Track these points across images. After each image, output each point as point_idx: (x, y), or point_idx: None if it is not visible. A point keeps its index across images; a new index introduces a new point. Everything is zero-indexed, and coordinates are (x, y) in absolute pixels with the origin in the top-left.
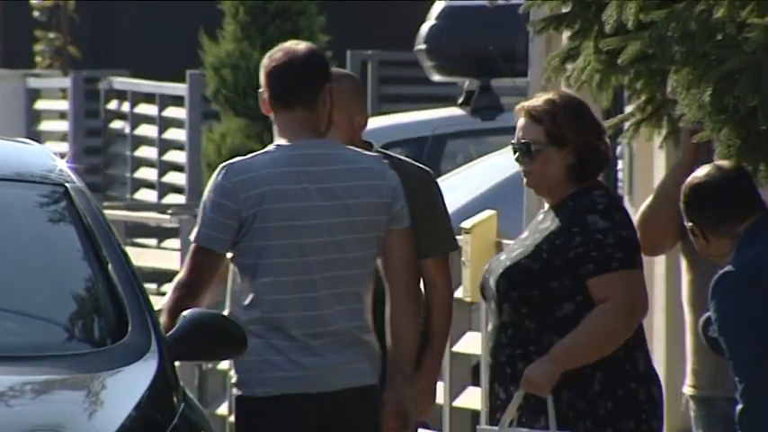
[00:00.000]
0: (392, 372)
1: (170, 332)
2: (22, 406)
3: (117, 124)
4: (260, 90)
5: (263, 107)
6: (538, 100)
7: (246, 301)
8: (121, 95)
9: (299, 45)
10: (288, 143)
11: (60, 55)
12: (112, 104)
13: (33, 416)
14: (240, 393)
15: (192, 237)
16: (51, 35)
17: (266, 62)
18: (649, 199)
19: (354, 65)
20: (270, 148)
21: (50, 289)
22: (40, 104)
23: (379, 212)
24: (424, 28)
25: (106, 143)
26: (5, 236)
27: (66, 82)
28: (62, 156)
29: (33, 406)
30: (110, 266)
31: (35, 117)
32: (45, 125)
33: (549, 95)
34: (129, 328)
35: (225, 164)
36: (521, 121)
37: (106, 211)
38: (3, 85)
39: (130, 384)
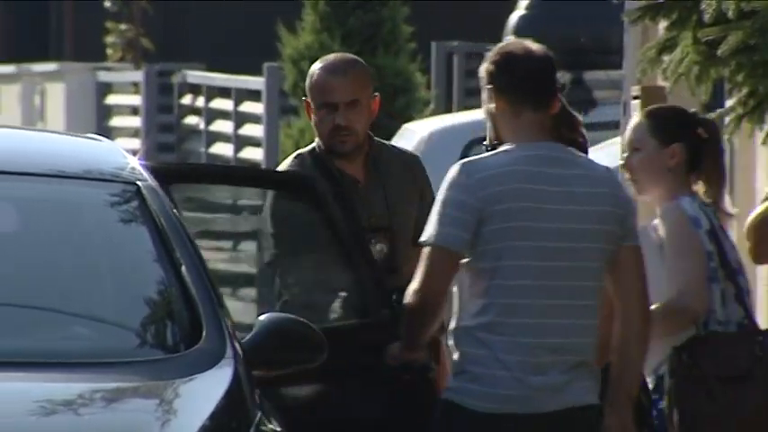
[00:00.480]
0: (616, 394)
1: (246, 338)
2: (93, 414)
3: (191, 120)
4: (489, 87)
5: (497, 104)
6: None
7: (477, 307)
8: (196, 90)
9: (533, 45)
10: (522, 144)
11: (132, 47)
12: (186, 99)
13: (104, 425)
14: (451, 399)
15: (427, 237)
16: (123, 27)
17: (499, 57)
18: (763, 206)
19: (439, 57)
20: (507, 147)
21: (122, 292)
22: (112, 99)
23: (615, 224)
24: (513, 18)
25: (180, 139)
26: (75, 237)
27: (138, 76)
28: (134, 153)
29: (104, 414)
30: (183, 269)
31: (106, 112)
32: (116, 121)
33: None
34: (204, 334)
35: (462, 161)
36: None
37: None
38: (73, 79)
39: (205, 392)
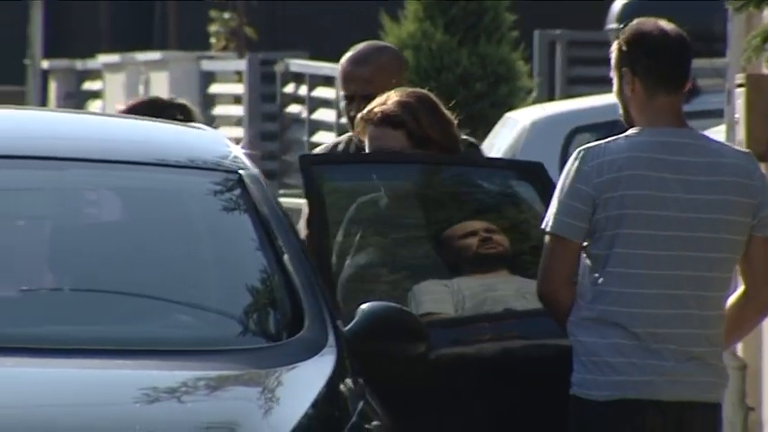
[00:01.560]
0: None
1: (348, 326)
2: (196, 402)
3: (294, 108)
4: (623, 69)
5: (631, 86)
6: (388, 105)
7: (591, 295)
8: (299, 78)
9: (666, 24)
10: (650, 128)
11: (236, 36)
12: (289, 88)
13: (207, 413)
14: (575, 393)
15: (545, 224)
16: (226, 15)
17: (633, 38)
18: None
19: (542, 45)
20: (630, 132)
21: (224, 281)
22: (215, 88)
23: (745, 214)
24: (616, 6)
25: (282, 128)
26: (178, 225)
27: (241, 64)
28: (237, 141)
29: (207, 402)
30: (285, 257)
31: (209, 101)
32: (219, 109)
33: (399, 98)
34: (306, 322)
35: (582, 147)
36: (375, 131)
37: (282, 199)
38: (176, 68)
39: (307, 381)
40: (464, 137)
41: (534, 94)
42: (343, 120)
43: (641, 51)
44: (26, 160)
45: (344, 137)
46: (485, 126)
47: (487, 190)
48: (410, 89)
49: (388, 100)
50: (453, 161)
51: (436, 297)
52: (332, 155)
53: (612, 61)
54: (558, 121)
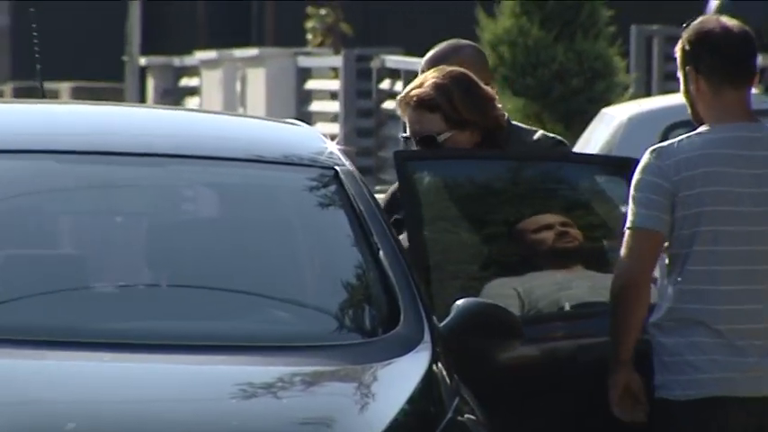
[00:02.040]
0: None
1: (444, 322)
2: (292, 398)
3: (389, 104)
4: (687, 68)
5: (696, 85)
6: (423, 88)
7: (671, 294)
8: (394, 74)
9: (729, 21)
10: (720, 125)
11: (332, 33)
12: (385, 84)
13: (303, 408)
14: (661, 396)
15: (628, 223)
16: (323, 12)
17: (695, 36)
18: None
19: (639, 41)
20: (702, 129)
21: (320, 277)
22: (311, 84)
23: None
24: (713, 0)
25: (378, 124)
26: (274, 221)
27: (337, 61)
28: (332, 137)
29: (303, 398)
30: (381, 253)
31: (305, 97)
32: (315, 105)
33: (435, 80)
34: (402, 318)
35: (655, 146)
36: (413, 114)
37: (378, 195)
38: (273, 64)
39: (402, 377)
40: (551, 135)
41: (631, 90)
42: None
43: (704, 49)
44: (125, 157)
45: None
46: (581, 122)
47: (575, 186)
48: (448, 68)
49: (425, 82)
50: (544, 157)
51: (501, 301)
52: (425, 151)
53: (677, 61)
54: (654, 116)
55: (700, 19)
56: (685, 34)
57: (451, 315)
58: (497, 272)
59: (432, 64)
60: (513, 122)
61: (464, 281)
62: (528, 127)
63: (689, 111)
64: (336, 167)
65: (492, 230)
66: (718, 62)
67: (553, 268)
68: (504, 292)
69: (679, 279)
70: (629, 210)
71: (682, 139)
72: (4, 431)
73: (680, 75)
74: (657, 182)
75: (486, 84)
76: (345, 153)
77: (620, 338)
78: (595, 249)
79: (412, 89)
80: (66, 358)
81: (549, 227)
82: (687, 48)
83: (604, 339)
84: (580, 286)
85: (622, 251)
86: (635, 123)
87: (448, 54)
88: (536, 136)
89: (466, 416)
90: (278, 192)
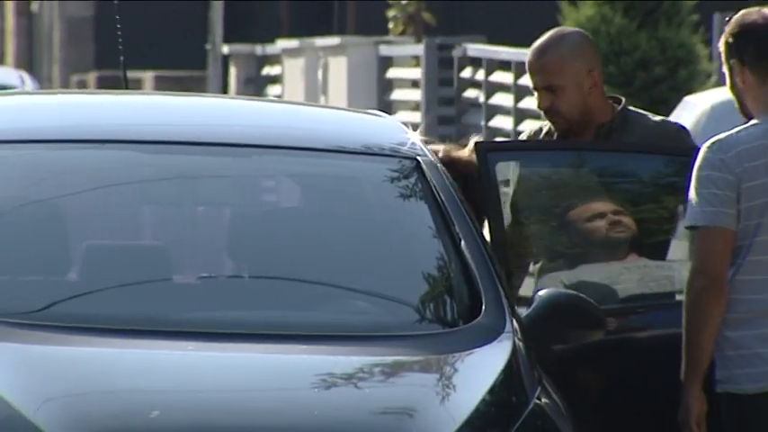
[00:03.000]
0: None
1: (526, 313)
2: (373, 388)
3: (471, 93)
4: (732, 61)
5: (742, 77)
6: None
7: (734, 287)
8: (476, 63)
9: None
10: None
11: (414, 21)
12: (466, 72)
13: (384, 398)
14: (726, 390)
15: (695, 220)
16: (404, 1)
17: (738, 29)
18: None
19: (721, 29)
20: (755, 121)
21: (401, 267)
22: (393, 73)
23: None
24: None
25: (459, 112)
26: (355, 211)
27: (419, 49)
28: (414, 126)
29: (384, 388)
30: (463, 243)
31: (387, 86)
32: (397, 94)
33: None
34: (483, 308)
35: (713, 139)
36: None
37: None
38: (355, 53)
39: (484, 367)
40: (672, 121)
41: (713, 78)
42: (521, 105)
43: (748, 41)
44: (208, 147)
45: (537, 126)
46: (664, 110)
47: (649, 177)
48: None
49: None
50: (625, 148)
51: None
52: (506, 142)
53: (722, 55)
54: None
55: (742, 11)
56: (728, 27)
57: (534, 305)
58: (561, 264)
59: (533, 56)
60: (631, 108)
61: (537, 273)
62: (645, 112)
63: (736, 105)
64: (418, 158)
65: (560, 222)
66: (763, 53)
67: (606, 258)
68: (552, 284)
69: (741, 269)
70: (693, 207)
71: (740, 131)
72: (90, 419)
73: (725, 69)
74: (721, 175)
75: (595, 70)
76: (427, 143)
77: (699, 343)
78: (654, 239)
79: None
80: (151, 347)
81: (601, 215)
82: (731, 41)
83: (650, 334)
84: (630, 280)
85: (696, 252)
86: (718, 111)
87: (550, 46)
88: (655, 120)
89: (548, 406)
90: (359, 182)
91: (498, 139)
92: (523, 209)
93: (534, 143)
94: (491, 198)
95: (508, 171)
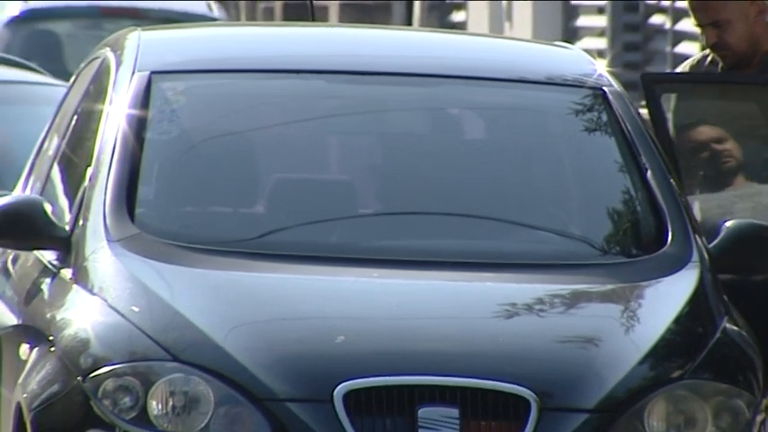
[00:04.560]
0: None
1: (713, 242)
2: (558, 316)
3: (657, 19)
4: None
5: None
6: None
7: None
8: None
9: None
10: None
11: None
12: None
13: (568, 326)
14: None
15: None
16: None
17: None
18: None
19: None
20: None
21: (587, 197)
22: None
23: None
24: None
25: (645, 39)
26: (540, 141)
27: None
28: (599, 53)
29: (569, 316)
30: (649, 174)
31: (572, 12)
32: (582, 20)
33: None
34: (669, 238)
35: None
36: None
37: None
38: None
39: (670, 296)
40: None
41: None
42: None
43: None
44: (393, 77)
45: (700, 55)
46: None
47: None
48: None
49: None
50: None
51: None
52: (673, 74)
53: None
54: None
55: None
56: None
57: (721, 235)
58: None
59: None
60: None
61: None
62: None
63: None
64: (604, 88)
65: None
66: None
67: (716, 188)
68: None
69: None
70: None
71: None
72: (277, 345)
73: None
74: None
75: (752, 5)
76: (612, 74)
77: None
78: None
79: None
80: (336, 274)
81: (703, 146)
82: None
83: None
84: (744, 209)
85: None
86: None
87: None
88: None
89: (735, 335)
90: (544, 112)
91: (665, 71)
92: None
93: (701, 75)
94: (658, 130)
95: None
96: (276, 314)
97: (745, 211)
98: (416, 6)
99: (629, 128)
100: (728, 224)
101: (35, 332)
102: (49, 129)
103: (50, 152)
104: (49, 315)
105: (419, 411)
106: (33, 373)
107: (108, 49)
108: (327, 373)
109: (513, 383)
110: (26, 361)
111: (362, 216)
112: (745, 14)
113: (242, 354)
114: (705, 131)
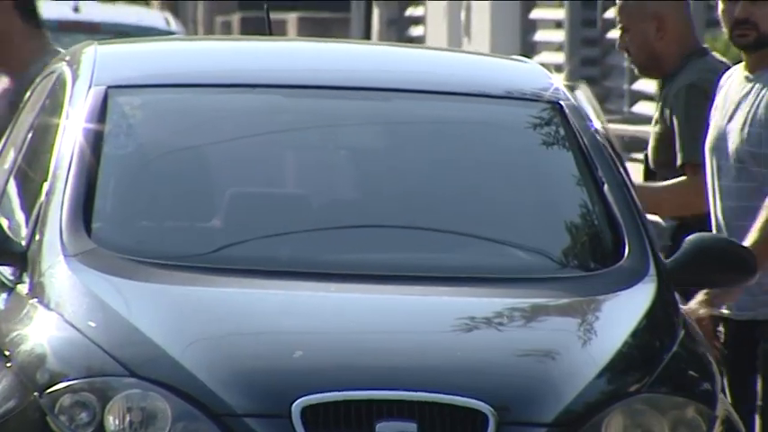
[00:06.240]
0: None
1: (673, 256)
2: (515, 330)
3: (615, 34)
4: None
5: None
6: None
7: None
8: None
9: None
10: None
11: None
12: (610, 13)
13: (526, 340)
14: None
15: None
16: None
17: None
18: None
19: None
20: None
21: (543, 211)
22: (535, 14)
23: None
24: None
25: (603, 53)
26: (497, 155)
27: None
28: (557, 68)
29: (526, 330)
30: (605, 187)
31: (530, 26)
32: (540, 35)
33: None
34: (626, 252)
35: None
36: None
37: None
38: None
39: (627, 309)
40: None
41: None
42: None
43: None
44: (349, 91)
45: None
46: None
47: None
48: None
49: None
50: None
51: None
52: None
53: None
54: None
55: None
56: None
57: (681, 249)
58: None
59: None
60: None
61: None
62: None
63: None
64: (561, 102)
65: None
66: None
67: None
68: None
69: None
70: None
71: None
72: (235, 360)
73: None
74: None
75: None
76: (570, 88)
77: None
78: None
79: None
80: (293, 288)
81: None
82: None
83: None
84: None
85: None
86: None
87: None
88: None
89: (691, 350)
90: (501, 126)
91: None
92: None
93: None
94: None
95: None
96: (233, 329)
97: None
98: (375, 21)
99: (586, 142)
100: (690, 237)
101: None
102: (5, 143)
103: (6, 166)
104: (5, 330)
105: (377, 426)
106: None
107: (64, 63)
108: (285, 389)
109: (471, 397)
110: None
111: (319, 230)
112: (642, 29)
113: (199, 369)
114: None
